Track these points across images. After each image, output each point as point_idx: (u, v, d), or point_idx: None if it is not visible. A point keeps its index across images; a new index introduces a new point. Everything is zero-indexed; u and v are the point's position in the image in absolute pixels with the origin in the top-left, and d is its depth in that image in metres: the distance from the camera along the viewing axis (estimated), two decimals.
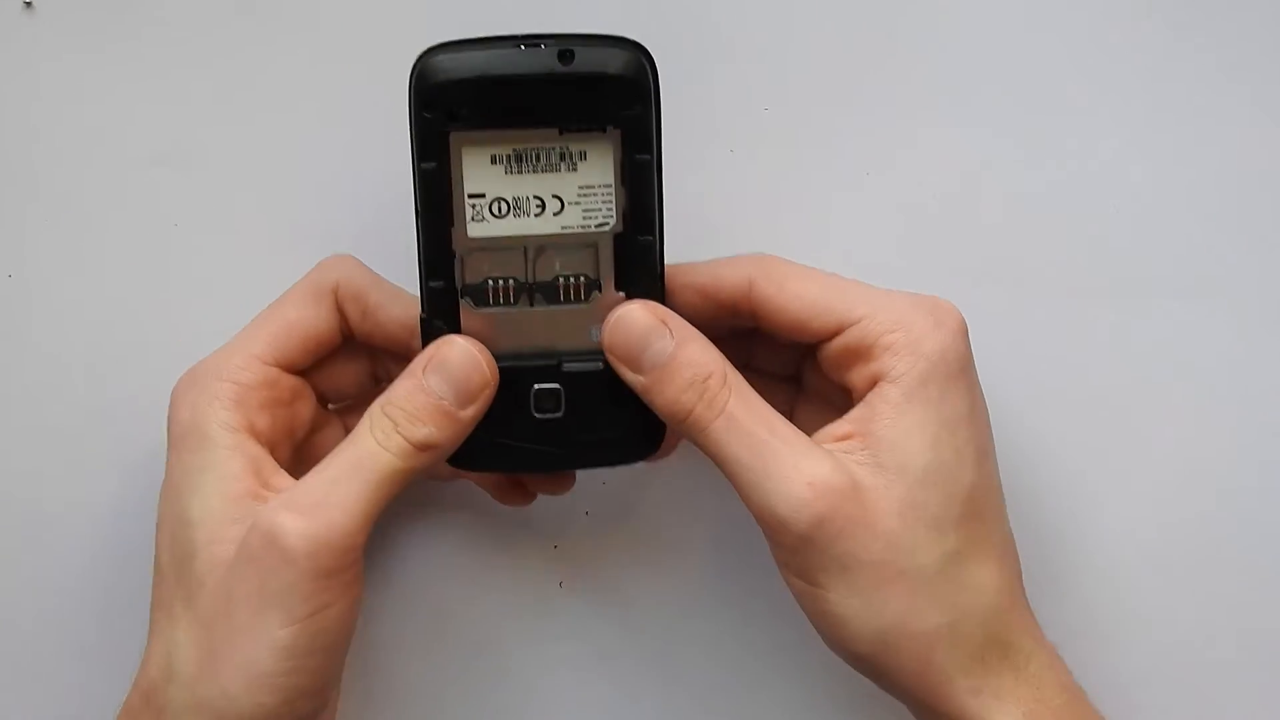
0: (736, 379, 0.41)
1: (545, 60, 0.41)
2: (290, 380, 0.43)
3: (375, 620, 0.49)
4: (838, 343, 0.42)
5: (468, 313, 0.42)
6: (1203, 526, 0.49)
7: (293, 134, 0.49)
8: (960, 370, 0.41)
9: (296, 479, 0.41)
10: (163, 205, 0.49)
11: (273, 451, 0.42)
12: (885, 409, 0.41)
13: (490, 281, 0.42)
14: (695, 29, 0.48)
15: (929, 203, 0.49)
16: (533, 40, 0.41)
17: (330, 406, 0.47)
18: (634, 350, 0.41)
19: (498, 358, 0.42)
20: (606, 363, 0.42)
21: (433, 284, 0.42)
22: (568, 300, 0.42)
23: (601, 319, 0.42)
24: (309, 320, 0.44)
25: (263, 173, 0.49)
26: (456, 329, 0.42)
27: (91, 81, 0.49)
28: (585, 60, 0.41)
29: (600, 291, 0.42)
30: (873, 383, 0.41)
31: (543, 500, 0.47)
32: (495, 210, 0.42)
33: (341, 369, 0.46)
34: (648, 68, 0.41)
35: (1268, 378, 0.49)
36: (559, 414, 0.42)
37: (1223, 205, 0.49)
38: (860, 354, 0.42)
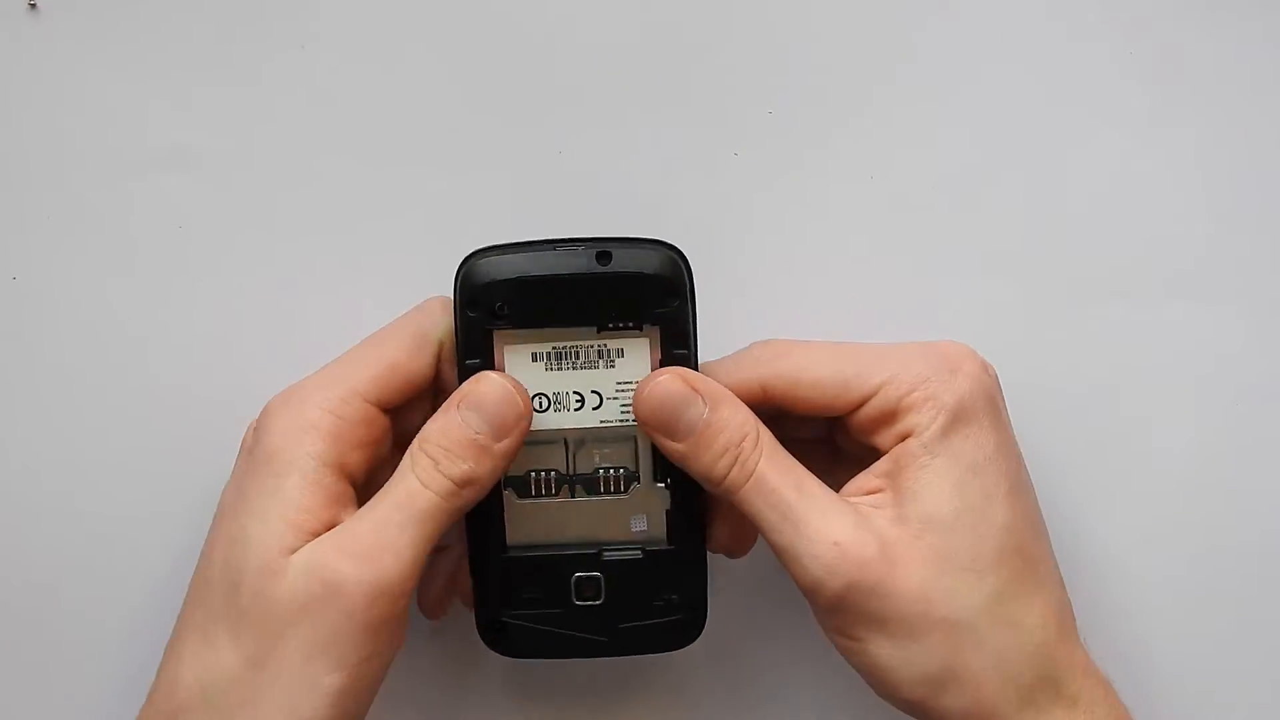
0: (767, 438, 0.42)
1: (583, 262, 0.42)
2: (384, 420, 0.43)
3: None
4: (862, 414, 0.42)
5: (510, 502, 0.43)
6: (1206, 529, 0.49)
7: (298, 137, 0.49)
8: (982, 411, 0.42)
9: None
10: (168, 208, 0.48)
11: (356, 488, 0.42)
12: (907, 461, 0.41)
13: (533, 473, 0.43)
14: (698, 33, 0.49)
15: (933, 204, 0.49)
16: (571, 243, 0.42)
17: None
18: (669, 421, 0.42)
19: (538, 546, 0.43)
20: (646, 551, 0.43)
21: None
22: (607, 491, 0.43)
23: (640, 510, 0.43)
24: (413, 367, 0.43)
25: (269, 175, 0.49)
26: (501, 519, 0.43)
27: (96, 84, 0.48)
28: (622, 261, 0.42)
29: (639, 483, 0.43)
30: (899, 440, 0.42)
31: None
32: (536, 405, 0.43)
33: (420, 410, 0.44)
34: (682, 267, 0.42)
35: (1274, 378, 0.49)
36: (599, 601, 0.43)
37: (1228, 205, 0.49)
38: (885, 419, 0.42)
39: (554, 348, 0.43)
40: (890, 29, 0.49)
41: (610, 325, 0.42)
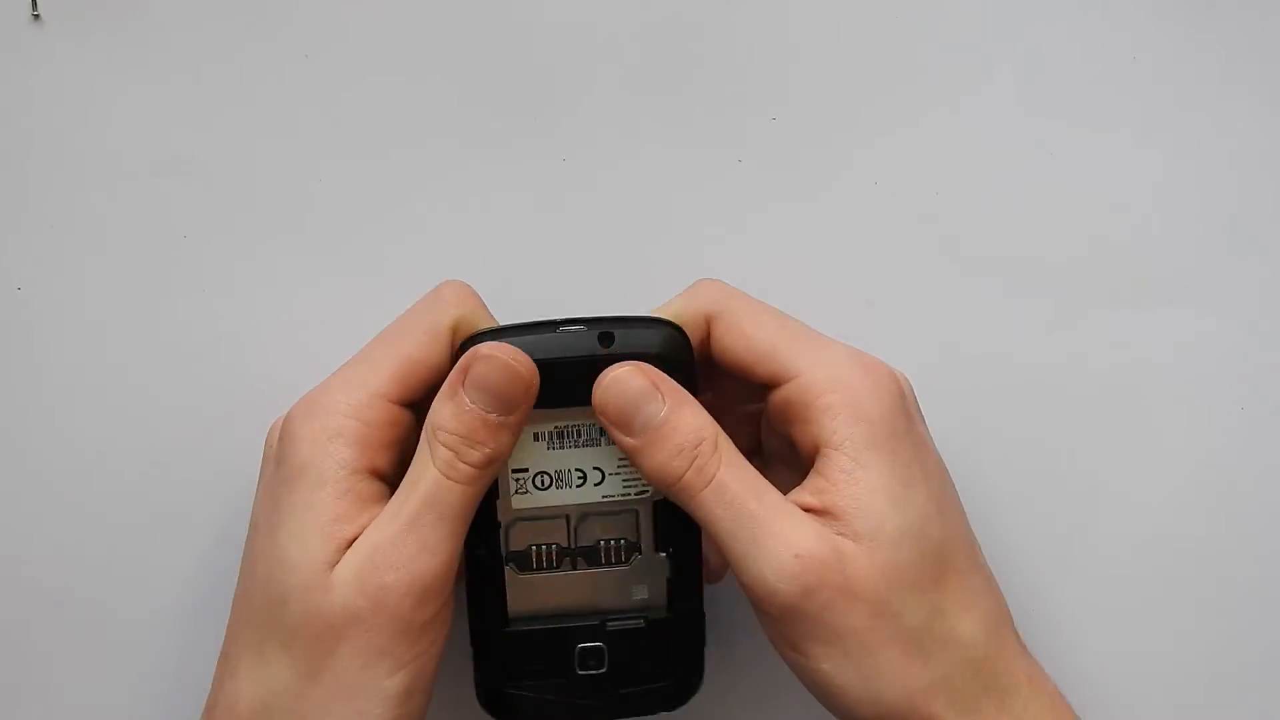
0: (727, 445, 0.41)
1: (586, 343, 0.42)
2: (408, 416, 0.42)
3: None
4: (779, 394, 0.43)
5: (512, 577, 0.43)
6: (1206, 533, 0.50)
7: (302, 146, 0.49)
8: (904, 431, 0.42)
9: None
10: (172, 216, 0.48)
11: (388, 483, 0.42)
12: (841, 478, 0.41)
13: (534, 547, 0.44)
14: (702, 40, 0.49)
15: (935, 210, 0.50)
16: (572, 324, 0.42)
17: None
18: (625, 413, 0.41)
19: (541, 617, 0.44)
20: (648, 620, 0.44)
21: (477, 552, 0.43)
22: (609, 563, 0.44)
23: (642, 579, 0.44)
24: (430, 359, 0.42)
25: (273, 184, 0.48)
26: (503, 594, 0.43)
27: (99, 93, 0.48)
28: (625, 342, 0.42)
29: (640, 554, 0.44)
30: (814, 444, 0.42)
31: None
32: (538, 483, 0.43)
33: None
34: (684, 345, 0.42)
35: (1273, 383, 0.50)
36: (602, 670, 0.44)
37: (1228, 210, 0.50)
38: (799, 410, 0.42)
39: (556, 427, 0.43)
40: (892, 36, 0.49)
41: None
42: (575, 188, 0.49)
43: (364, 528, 0.40)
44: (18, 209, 0.48)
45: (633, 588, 0.44)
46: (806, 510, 0.41)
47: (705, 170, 0.49)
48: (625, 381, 0.41)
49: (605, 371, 0.41)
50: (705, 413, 0.42)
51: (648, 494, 0.43)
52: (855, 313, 0.49)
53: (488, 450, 0.40)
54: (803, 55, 0.49)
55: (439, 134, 0.48)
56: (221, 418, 0.48)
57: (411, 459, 0.42)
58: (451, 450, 0.40)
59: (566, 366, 0.42)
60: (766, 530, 0.40)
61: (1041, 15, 0.50)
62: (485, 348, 0.41)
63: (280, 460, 0.42)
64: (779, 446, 0.45)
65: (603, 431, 0.43)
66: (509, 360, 0.41)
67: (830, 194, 0.50)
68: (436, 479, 0.40)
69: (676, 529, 0.43)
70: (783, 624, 0.41)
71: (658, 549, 0.44)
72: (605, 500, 0.43)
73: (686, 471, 0.41)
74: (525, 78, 0.48)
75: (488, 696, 0.44)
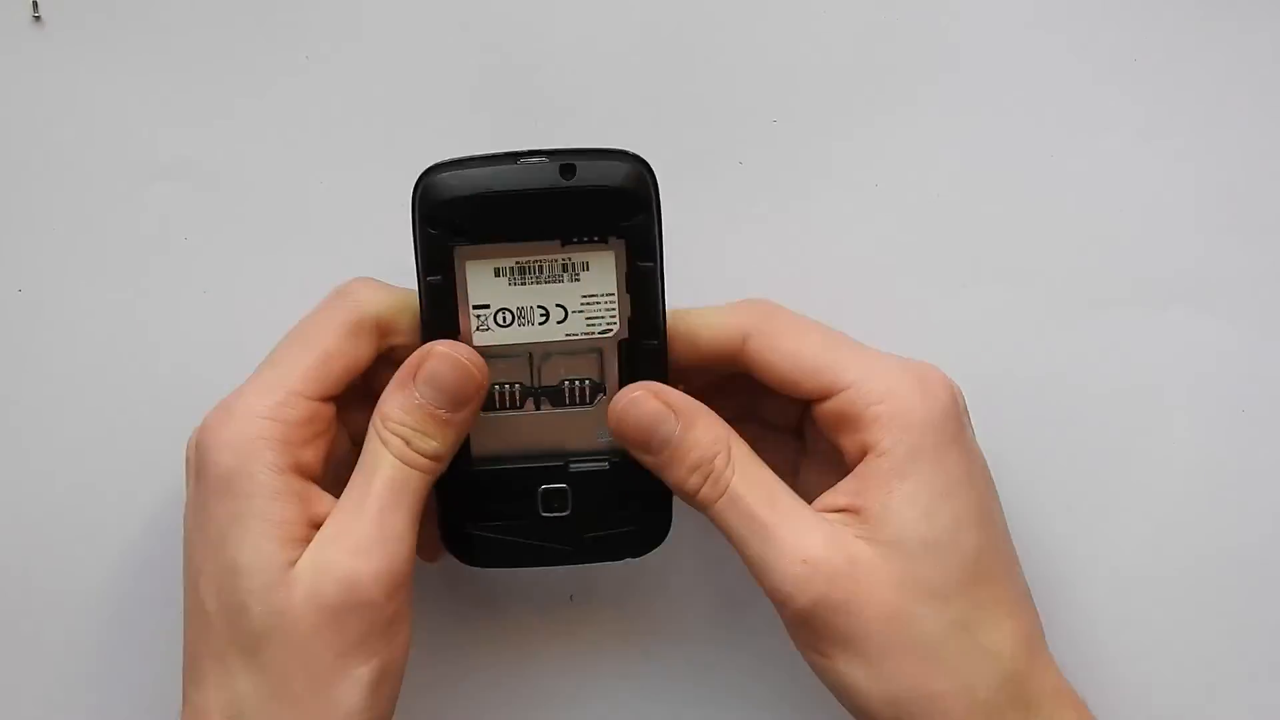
0: (740, 452, 0.42)
1: (547, 175, 0.41)
2: (329, 409, 0.43)
3: None
4: (827, 406, 0.43)
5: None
6: (1206, 537, 0.50)
7: (303, 149, 0.48)
8: (952, 439, 0.42)
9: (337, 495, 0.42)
10: (173, 219, 0.48)
11: (317, 480, 0.42)
12: (875, 483, 0.41)
13: (496, 387, 0.43)
14: (702, 42, 0.48)
15: (936, 213, 0.49)
16: (533, 155, 0.41)
17: None
18: (643, 436, 0.42)
19: (505, 458, 0.43)
20: (612, 462, 0.44)
21: None
22: (573, 404, 0.43)
23: (606, 421, 0.43)
24: (349, 353, 0.42)
25: (274, 186, 0.48)
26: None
27: (101, 94, 0.48)
28: (586, 174, 0.41)
29: (605, 394, 0.43)
30: (862, 451, 0.42)
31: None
32: (500, 320, 0.42)
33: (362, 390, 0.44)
34: (648, 179, 0.41)
35: (1272, 386, 0.50)
36: (566, 513, 0.44)
37: (1227, 213, 0.49)
38: (848, 421, 0.42)
39: (517, 262, 0.42)
40: (893, 38, 0.49)
41: (575, 239, 0.42)
42: None
43: (310, 523, 0.41)
44: (19, 211, 0.48)
45: (597, 429, 0.43)
46: (838, 509, 0.42)
47: (706, 172, 0.48)
48: (639, 405, 0.42)
49: (619, 395, 0.42)
50: (718, 424, 0.42)
51: (612, 333, 0.43)
52: (855, 314, 0.48)
53: (435, 444, 0.41)
54: (804, 58, 0.49)
55: (439, 136, 0.48)
56: None
57: (335, 453, 0.43)
58: (402, 439, 0.41)
59: (527, 198, 0.41)
60: (776, 537, 0.41)
61: (1042, 17, 0.49)
62: (441, 344, 0.41)
63: (202, 471, 0.41)
64: (826, 449, 0.45)
65: (565, 268, 0.42)
66: (462, 359, 0.41)
67: (831, 196, 0.49)
68: (395, 466, 0.41)
69: (643, 370, 0.43)
70: (799, 627, 0.42)
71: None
72: (569, 339, 0.43)
73: (703, 486, 0.42)
74: (526, 79, 0.48)
75: (451, 536, 0.44)
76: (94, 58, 0.48)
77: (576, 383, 0.43)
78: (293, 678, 0.40)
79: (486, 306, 0.42)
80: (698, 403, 0.42)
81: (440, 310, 0.42)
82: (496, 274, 0.42)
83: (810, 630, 0.41)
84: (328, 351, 0.42)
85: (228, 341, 0.48)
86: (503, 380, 0.43)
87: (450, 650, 0.49)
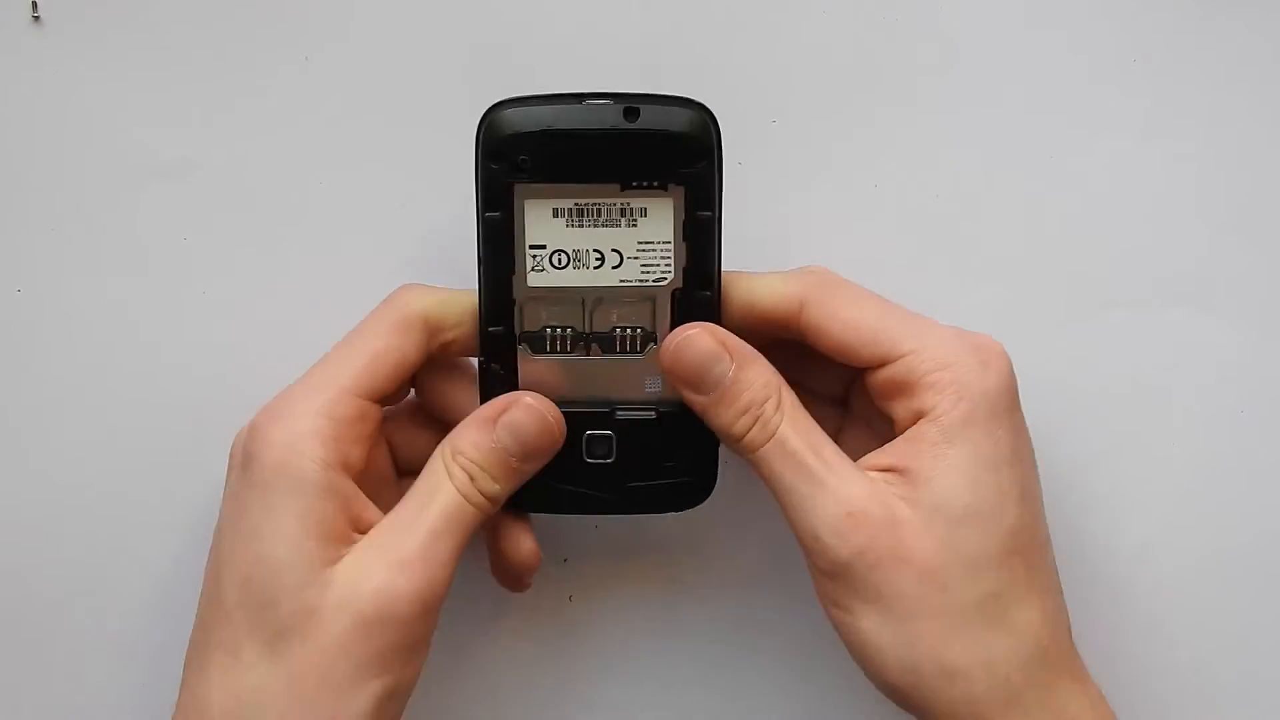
0: (790, 400, 0.42)
1: (611, 117, 0.41)
2: (377, 410, 0.43)
3: None
4: (883, 373, 0.42)
5: (524, 358, 0.43)
6: (1208, 536, 0.49)
7: (302, 149, 0.49)
8: (1005, 411, 0.42)
9: (378, 504, 0.42)
10: (172, 218, 0.49)
11: (361, 483, 0.42)
12: (925, 447, 0.41)
13: (548, 330, 0.43)
14: (702, 42, 0.48)
15: (937, 214, 0.49)
16: (599, 97, 0.41)
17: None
18: (696, 374, 0.42)
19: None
20: (659, 412, 0.43)
21: (492, 329, 0.43)
22: (623, 351, 0.43)
23: (656, 371, 0.43)
24: (397, 352, 0.43)
25: (273, 187, 0.49)
26: (514, 374, 0.43)
27: (100, 94, 0.48)
28: (651, 118, 0.41)
29: (656, 344, 0.43)
30: (915, 417, 0.42)
31: (552, 515, 0.47)
32: (555, 261, 0.42)
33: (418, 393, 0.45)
34: (712, 127, 0.42)
35: (1274, 386, 0.50)
36: (610, 460, 0.43)
37: (1228, 212, 0.49)
38: (905, 388, 0.42)
39: (576, 204, 0.42)
40: (893, 39, 0.49)
41: (635, 184, 0.42)
42: None
43: (351, 524, 0.41)
44: (18, 211, 0.48)
45: (646, 379, 0.43)
46: (883, 469, 0.42)
47: None
48: (695, 343, 0.42)
49: (674, 332, 0.42)
50: (770, 369, 0.42)
51: (666, 281, 0.42)
52: None
53: (499, 488, 0.42)
54: (803, 58, 0.49)
55: (439, 137, 0.48)
56: (222, 419, 0.47)
57: (380, 456, 0.44)
58: (468, 475, 0.41)
59: (590, 139, 0.41)
60: (822, 486, 0.41)
61: (1042, 17, 0.49)
62: (529, 396, 0.42)
63: (249, 464, 0.41)
64: (872, 417, 0.45)
65: (623, 213, 0.42)
66: (548, 416, 0.42)
67: (830, 197, 0.49)
68: (455, 497, 0.41)
69: (696, 320, 0.43)
70: (831, 580, 0.41)
71: None
72: (623, 285, 0.43)
73: (752, 428, 0.41)
74: (526, 81, 0.47)
75: None
76: (93, 58, 0.48)
77: (628, 330, 0.43)
78: (308, 678, 0.39)
79: (543, 247, 0.42)
80: (751, 348, 0.42)
81: (496, 248, 0.42)
82: (555, 214, 0.42)
83: (842, 584, 0.41)
84: (377, 350, 0.43)
85: (226, 341, 0.49)
86: (555, 324, 0.43)
87: (449, 650, 0.49)
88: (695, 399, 0.42)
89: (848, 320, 0.43)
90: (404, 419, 0.45)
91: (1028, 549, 0.41)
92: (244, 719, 0.40)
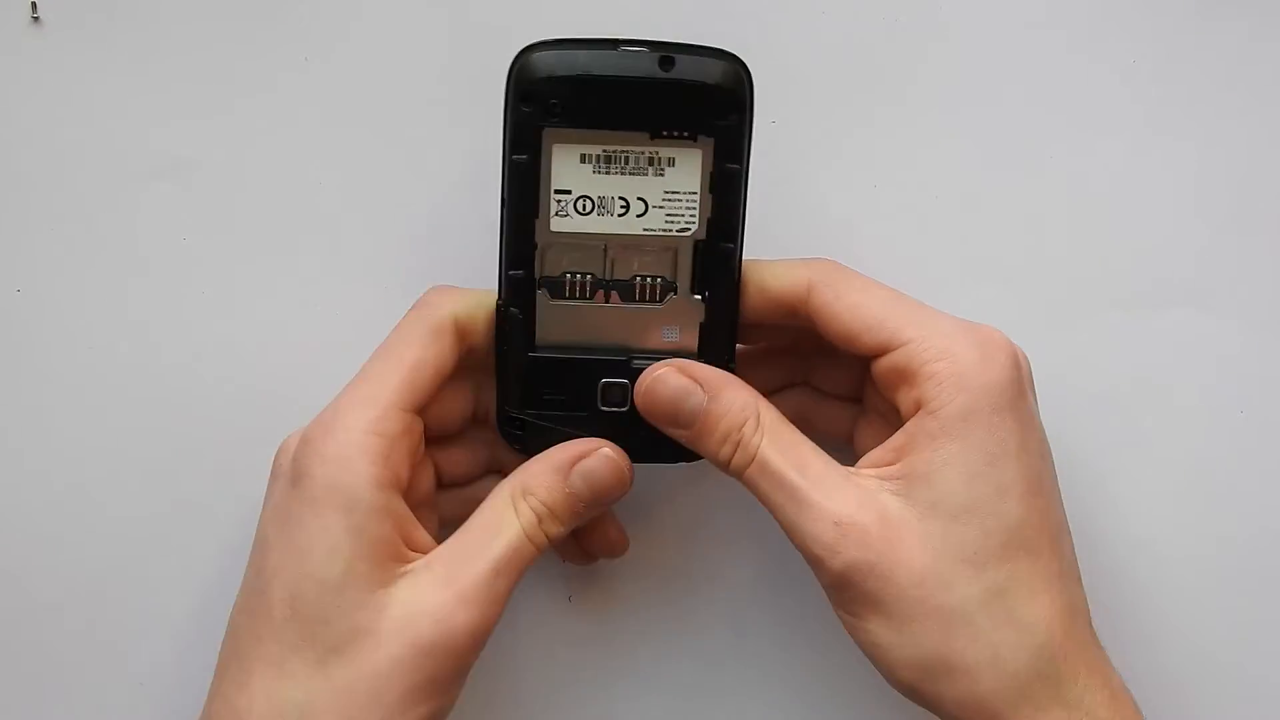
0: (770, 418, 0.42)
1: (646, 65, 0.41)
2: (419, 422, 0.43)
3: None
4: (885, 361, 0.43)
5: (543, 302, 0.43)
6: (1208, 536, 0.50)
7: (301, 149, 0.48)
8: (1008, 405, 0.41)
9: (419, 517, 0.42)
10: (171, 218, 0.48)
11: (406, 497, 0.42)
12: (922, 440, 0.41)
13: (568, 275, 0.43)
14: (699, 40, 0.48)
15: (936, 214, 0.49)
16: (634, 44, 0.41)
17: None
18: (671, 412, 0.42)
19: (568, 348, 0.43)
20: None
21: (513, 273, 0.43)
22: (643, 300, 0.43)
23: (674, 321, 0.43)
24: (435, 360, 0.43)
25: (272, 187, 0.48)
26: (532, 319, 0.43)
27: (100, 94, 0.48)
28: (685, 69, 0.41)
29: (676, 294, 0.43)
30: (916, 408, 0.42)
31: None
32: (580, 208, 0.42)
33: (450, 400, 0.45)
34: (746, 80, 0.41)
35: (1272, 385, 0.50)
36: (625, 409, 0.43)
37: (1228, 213, 0.50)
38: (906, 376, 0.42)
39: (604, 150, 0.42)
40: (892, 39, 0.49)
41: (665, 133, 0.41)
42: None
43: (404, 543, 0.41)
44: (17, 210, 0.48)
45: (664, 328, 0.43)
46: (882, 464, 0.42)
47: None
48: (664, 382, 0.42)
49: (644, 375, 0.42)
50: (745, 390, 0.42)
51: (689, 232, 0.42)
52: None
53: (561, 530, 0.42)
54: (803, 58, 0.49)
55: (439, 137, 0.48)
56: (221, 420, 0.48)
57: (423, 473, 0.44)
58: (536, 516, 0.42)
59: (622, 85, 0.41)
60: (807, 501, 0.41)
61: (1041, 18, 0.49)
62: (608, 447, 0.42)
63: (300, 479, 0.41)
64: (884, 409, 0.45)
65: (651, 161, 0.42)
66: (623, 467, 0.43)
67: (830, 197, 0.49)
68: (520, 537, 0.41)
69: (716, 272, 0.43)
70: (834, 589, 0.42)
71: (694, 290, 0.43)
72: (646, 234, 0.42)
73: (734, 454, 0.42)
74: None
75: (505, 420, 0.44)
76: (93, 58, 0.48)
77: (649, 279, 0.43)
78: (357, 697, 0.39)
79: (568, 192, 0.42)
80: (724, 373, 0.43)
81: (521, 192, 0.42)
82: (582, 160, 0.42)
83: (843, 592, 0.41)
84: (415, 361, 0.42)
85: (226, 341, 0.48)
86: (575, 269, 0.43)
87: None
88: (678, 434, 0.43)
89: (853, 304, 0.43)
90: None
91: (1034, 543, 0.41)
92: None
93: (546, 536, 0.42)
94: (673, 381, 0.42)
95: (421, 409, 0.43)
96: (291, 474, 0.41)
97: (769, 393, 0.44)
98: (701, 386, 0.42)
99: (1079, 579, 0.43)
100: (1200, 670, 0.50)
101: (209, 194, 0.48)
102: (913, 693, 0.41)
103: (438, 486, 0.46)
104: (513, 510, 0.42)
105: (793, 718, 0.50)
